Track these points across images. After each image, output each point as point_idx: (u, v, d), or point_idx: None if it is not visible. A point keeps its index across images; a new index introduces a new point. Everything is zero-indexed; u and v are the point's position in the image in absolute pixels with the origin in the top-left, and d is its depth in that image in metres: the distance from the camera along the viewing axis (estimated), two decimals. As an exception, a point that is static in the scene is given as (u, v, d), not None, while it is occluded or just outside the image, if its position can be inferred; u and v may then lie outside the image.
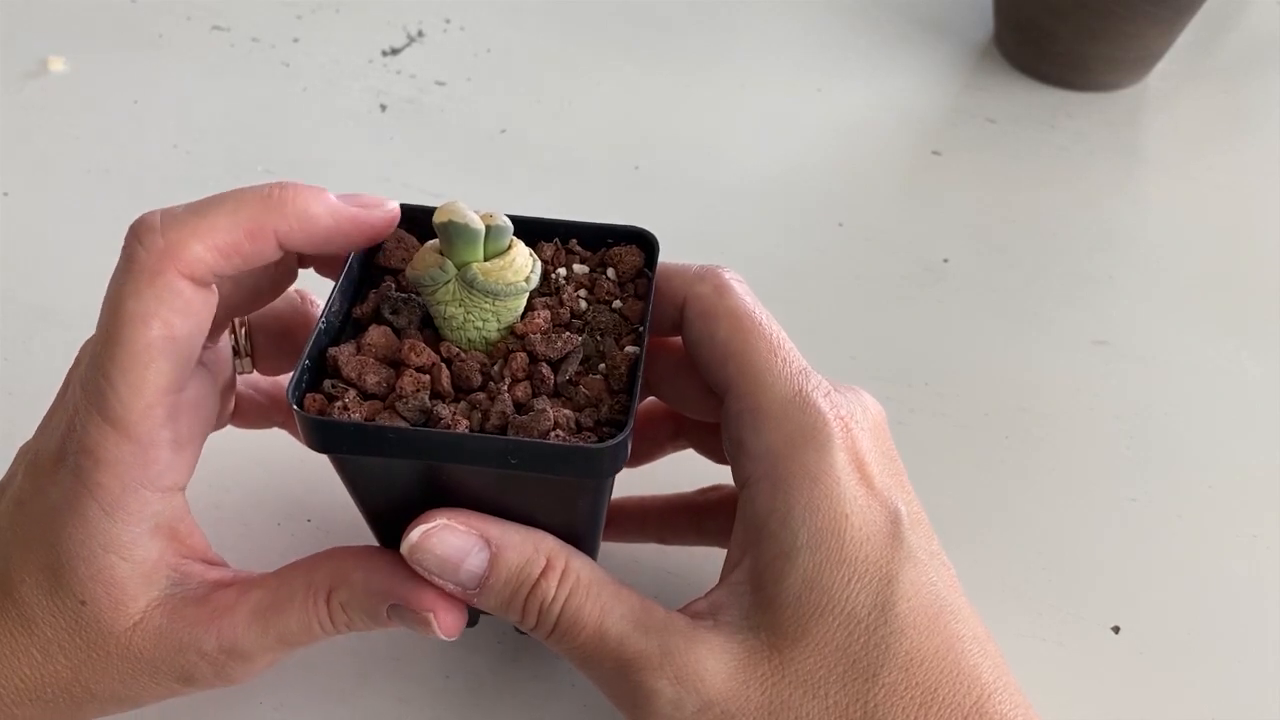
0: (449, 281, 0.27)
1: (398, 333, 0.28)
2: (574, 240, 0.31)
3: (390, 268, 0.29)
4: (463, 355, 0.27)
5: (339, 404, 0.26)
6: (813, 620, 0.26)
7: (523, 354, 0.27)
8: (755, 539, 0.27)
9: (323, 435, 0.25)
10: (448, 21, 0.63)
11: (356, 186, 0.54)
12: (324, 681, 0.35)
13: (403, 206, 0.29)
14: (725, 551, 0.30)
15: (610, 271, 0.30)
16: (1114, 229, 0.55)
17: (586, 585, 0.27)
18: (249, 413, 0.34)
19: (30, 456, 0.29)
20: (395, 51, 0.61)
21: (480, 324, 0.28)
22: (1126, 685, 0.37)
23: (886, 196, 0.56)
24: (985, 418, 0.45)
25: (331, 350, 0.27)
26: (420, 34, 0.62)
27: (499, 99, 0.58)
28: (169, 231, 0.25)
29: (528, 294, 0.28)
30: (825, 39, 0.65)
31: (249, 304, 0.30)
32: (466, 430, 0.26)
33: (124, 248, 0.26)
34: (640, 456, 0.37)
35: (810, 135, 0.59)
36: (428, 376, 0.27)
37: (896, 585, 0.26)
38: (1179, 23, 0.59)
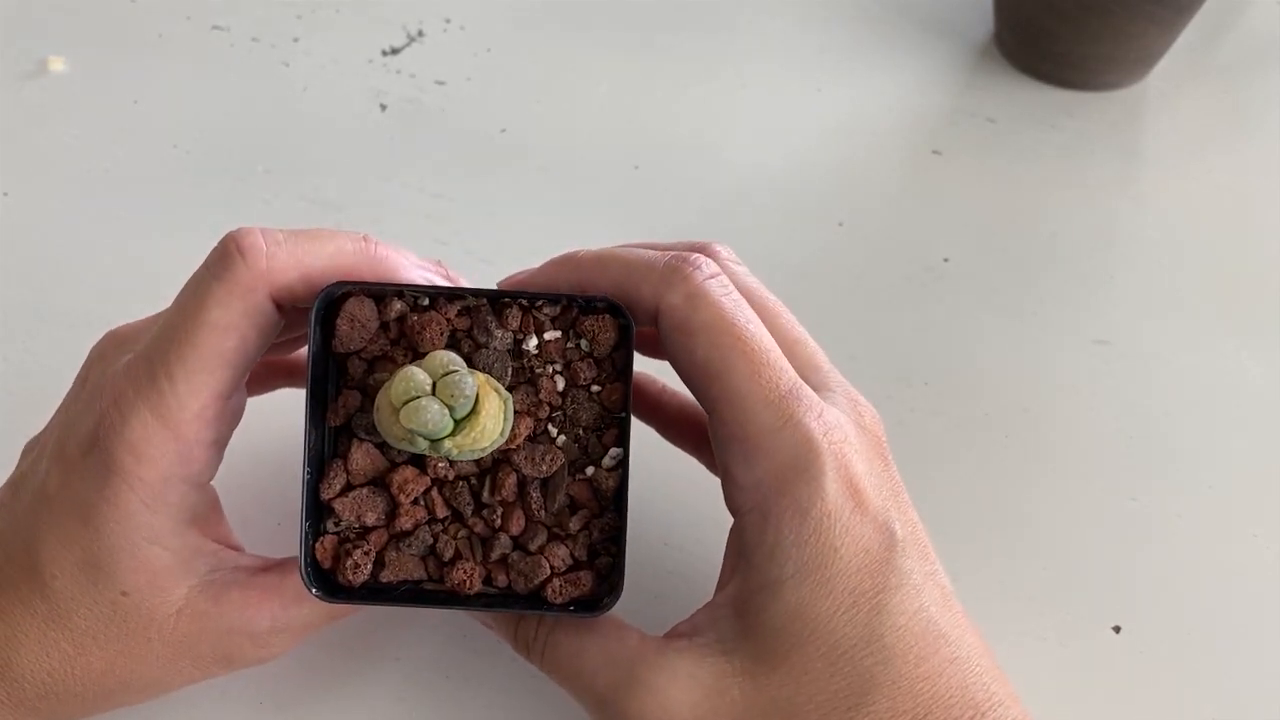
0: (425, 449, 0.27)
1: (379, 446, 0.29)
2: (541, 303, 0.29)
3: (351, 351, 0.29)
4: (450, 476, 0.28)
5: (350, 561, 0.28)
6: (793, 650, 0.26)
7: (511, 476, 0.28)
8: (744, 566, 0.27)
9: (344, 598, 0.28)
10: (448, 21, 0.63)
11: (356, 187, 0.54)
12: (324, 681, 0.35)
13: (341, 287, 0.28)
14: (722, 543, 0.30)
15: (583, 342, 0.29)
16: (1114, 229, 0.55)
17: (566, 624, 0.29)
18: (252, 383, 0.35)
19: (54, 448, 0.29)
20: (395, 51, 0.61)
21: (465, 456, 0.28)
22: (1126, 685, 0.37)
23: (886, 196, 0.56)
24: (985, 418, 0.45)
25: (324, 495, 0.28)
26: (420, 34, 0.62)
27: (499, 99, 0.58)
28: (275, 257, 0.27)
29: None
30: (825, 39, 0.65)
31: None
32: (471, 588, 0.28)
33: (221, 257, 0.27)
34: (653, 352, 0.35)
35: (810, 135, 0.59)
36: (423, 509, 0.28)
37: (885, 615, 0.26)
38: (1179, 22, 0.59)
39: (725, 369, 0.27)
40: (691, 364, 0.27)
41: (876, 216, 0.54)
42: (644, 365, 0.32)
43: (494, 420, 0.26)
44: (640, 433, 0.36)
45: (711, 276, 0.28)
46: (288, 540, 0.38)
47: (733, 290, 0.28)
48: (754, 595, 0.27)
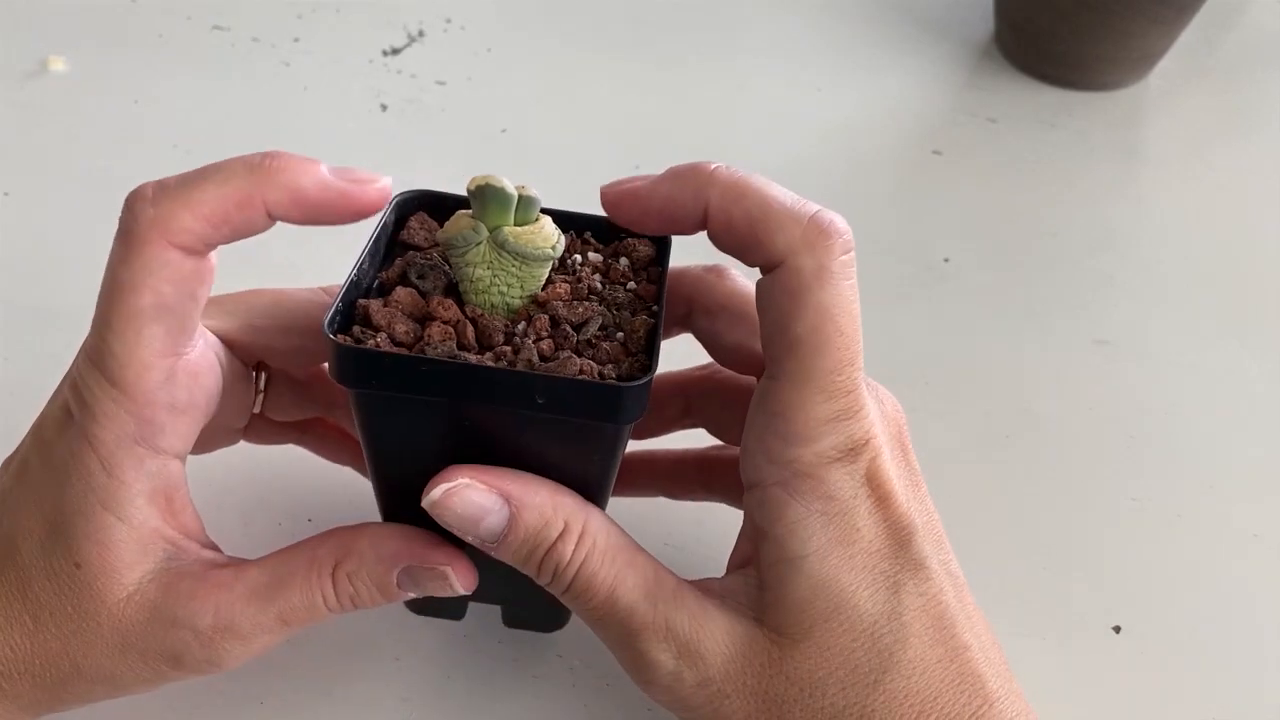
0: (480, 243, 0.27)
1: (423, 295, 0.28)
2: (588, 233, 0.32)
3: (413, 244, 0.30)
4: (486, 316, 0.28)
5: (371, 343, 0.26)
6: (816, 625, 0.26)
7: (545, 317, 0.28)
8: (762, 540, 0.27)
9: (357, 366, 0.26)
10: (448, 21, 0.63)
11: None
12: (324, 681, 0.35)
13: (424, 192, 0.30)
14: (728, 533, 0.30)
15: (623, 261, 0.31)
16: (1114, 229, 0.55)
17: (603, 551, 0.27)
18: (264, 431, 0.35)
19: (39, 420, 0.29)
20: (395, 51, 0.61)
21: (505, 288, 0.28)
22: (1126, 685, 0.37)
23: (886, 196, 0.56)
24: (985, 418, 0.45)
25: (361, 301, 0.27)
26: (420, 34, 0.62)
27: (499, 99, 0.58)
28: (159, 203, 0.26)
29: (551, 263, 0.29)
30: (825, 39, 0.65)
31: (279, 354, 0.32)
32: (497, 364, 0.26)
33: (120, 218, 0.26)
34: (646, 431, 0.36)
35: (810, 135, 0.59)
36: (453, 330, 0.27)
37: (903, 595, 0.26)
38: (1180, 22, 0.59)
39: (815, 353, 0.26)
40: (784, 329, 0.27)
41: (876, 216, 0.54)
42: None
43: (552, 227, 0.28)
44: (657, 439, 0.36)
45: (846, 252, 0.27)
46: (287, 540, 0.38)
47: (854, 273, 0.27)
48: (772, 570, 0.27)
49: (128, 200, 0.26)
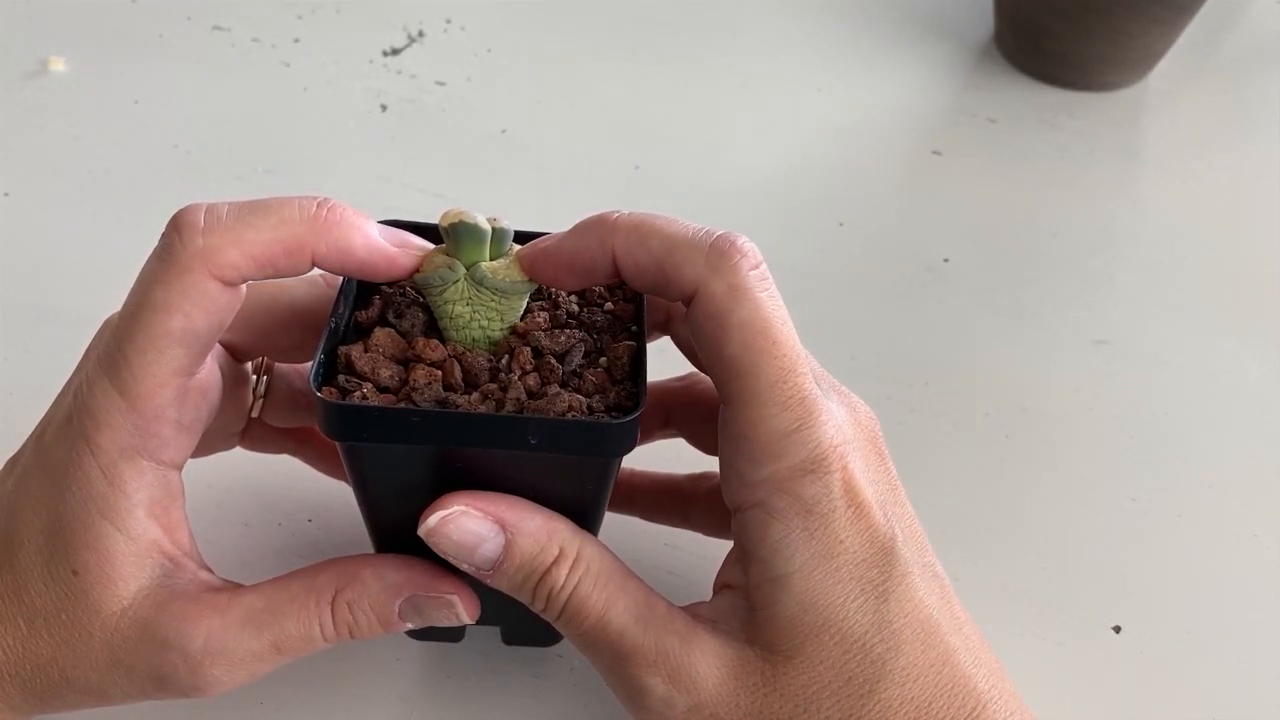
0: (458, 281, 0.27)
1: (403, 335, 0.29)
2: None
3: (384, 282, 0.30)
4: (469, 353, 0.28)
5: (358, 394, 0.26)
6: (808, 640, 0.26)
7: (527, 349, 0.28)
8: (748, 561, 0.28)
9: (345, 421, 0.26)
10: (448, 21, 0.63)
11: (356, 186, 0.54)
12: (324, 682, 0.35)
13: (394, 222, 0.30)
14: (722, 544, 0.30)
15: (599, 288, 0.31)
16: (1114, 229, 0.55)
17: (595, 575, 0.28)
18: (261, 438, 0.35)
19: (43, 421, 0.29)
20: (395, 51, 0.61)
21: (485, 322, 0.28)
22: (1126, 685, 0.37)
23: (886, 196, 0.56)
24: (985, 418, 0.45)
25: (342, 348, 0.27)
26: (420, 34, 0.62)
27: (499, 99, 0.58)
28: (209, 234, 0.26)
29: (529, 294, 0.29)
30: (825, 39, 0.65)
31: (275, 353, 0.32)
32: (476, 409, 0.26)
33: (163, 236, 0.26)
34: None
35: (810, 135, 0.59)
36: (439, 371, 0.27)
37: (891, 603, 0.27)
38: (1179, 22, 0.59)
39: (753, 370, 0.26)
40: (718, 356, 0.27)
41: (876, 216, 0.54)
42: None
43: None
44: (642, 447, 0.36)
45: (755, 266, 0.27)
46: (287, 539, 0.38)
47: (772, 284, 0.27)
48: (760, 589, 0.27)
49: (176, 222, 0.26)
